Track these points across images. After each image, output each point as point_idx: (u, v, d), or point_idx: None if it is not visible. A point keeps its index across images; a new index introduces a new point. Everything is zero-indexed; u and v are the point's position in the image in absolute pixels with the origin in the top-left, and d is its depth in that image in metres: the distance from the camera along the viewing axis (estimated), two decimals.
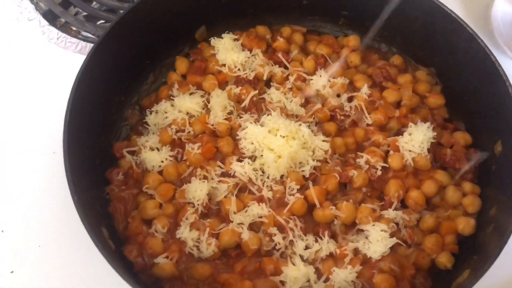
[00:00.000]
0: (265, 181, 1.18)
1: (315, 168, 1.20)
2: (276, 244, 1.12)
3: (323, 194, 1.16)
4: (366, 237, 1.12)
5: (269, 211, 1.14)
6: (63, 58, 1.46)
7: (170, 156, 1.22)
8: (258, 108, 1.29)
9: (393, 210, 1.15)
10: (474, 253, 1.11)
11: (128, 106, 1.35)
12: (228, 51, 1.33)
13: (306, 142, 1.20)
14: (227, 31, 1.39)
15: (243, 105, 1.29)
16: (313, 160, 1.19)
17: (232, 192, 1.16)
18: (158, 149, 1.24)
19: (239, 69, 1.32)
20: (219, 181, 1.17)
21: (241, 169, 1.17)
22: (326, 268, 1.10)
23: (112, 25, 1.20)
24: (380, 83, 1.34)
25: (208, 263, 1.11)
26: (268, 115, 1.24)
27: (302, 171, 1.18)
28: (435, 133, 1.23)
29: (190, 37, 1.42)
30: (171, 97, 1.31)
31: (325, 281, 1.09)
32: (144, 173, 1.21)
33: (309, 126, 1.25)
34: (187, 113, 1.28)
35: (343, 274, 1.07)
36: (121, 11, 1.32)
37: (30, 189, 1.28)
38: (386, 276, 1.07)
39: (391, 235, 1.12)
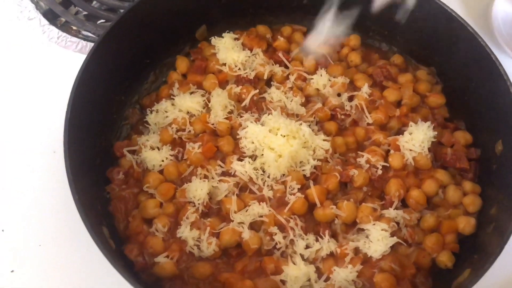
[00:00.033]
0: (265, 181, 1.18)
1: (315, 167, 1.20)
2: (276, 243, 1.12)
3: (323, 193, 1.16)
4: (367, 236, 1.12)
5: (269, 211, 1.14)
6: (64, 58, 1.46)
7: (171, 155, 1.22)
8: (258, 108, 1.29)
9: (394, 209, 1.15)
10: (475, 252, 1.11)
11: (129, 105, 1.35)
12: (228, 50, 1.33)
13: (307, 142, 1.20)
14: (227, 31, 1.39)
15: (243, 104, 1.29)
16: (314, 159, 1.19)
17: (233, 192, 1.16)
18: (158, 148, 1.24)
19: (239, 68, 1.32)
20: (220, 181, 1.17)
21: (242, 169, 1.17)
22: (327, 267, 1.10)
23: (112, 25, 1.20)
24: (380, 82, 1.34)
25: (209, 262, 1.11)
26: (268, 114, 1.24)
27: (303, 170, 1.18)
28: (436, 133, 1.23)
29: (191, 36, 1.42)
30: (172, 96, 1.31)
31: (325, 280, 1.09)
32: (144, 172, 1.21)
33: (309, 125, 1.25)
34: (188, 112, 1.28)
35: (344, 273, 1.07)
36: (122, 11, 1.32)
37: (31, 189, 1.27)
38: (387, 275, 1.07)
39: (392, 234, 1.12)
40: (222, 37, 1.37)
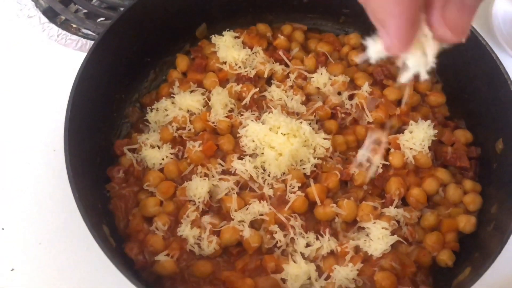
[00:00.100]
0: (266, 179, 1.18)
1: (316, 166, 1.20)
2: (277, 242, 1.12)
3: (324, 192, 1.16)
4: (367, 235, 1.12)
5: (270, 209, 1.13)
6: (64, 56, 1.45)
7: (171, 153, 1.22)
8: (259, 106, 1.29)
9: (394, 208, 1.15)
10: (475, 251, 1.11)
11: (129, 103, 1.34)
12: (228, 48, 1.33)
13: (307, 140, 1.20)
14: (227, 29, 1.38)
15: (243, 102, 1.29)
16: (314, 158, 1.19)
17: (233, 190, 1.16)
18: (158, 147, 1.23)
19: (239, 67, 1.32)
20: (220, 179, 1.17)
21: (242, 167, 1.17)
22: (327, 265, 1.10)
23: (112, 23, 1.20)
24: (381, 81, 1.34)
25: (209, 260, 1.11)
26: (269, 112, 1.23)
27: (303, 169, 1.18)
28: (436, 131, 1.23)
29: (191, 34, 1.41)
30: (172, 95, 1.31)
31: (326, 279, 1.09)
32: (144, 170, 1.21)
33: (310, 124, 1.24)
34: (188, 111, 1.27)
35: (344, 271, 1.07)
36: (122, 9, 1.33)
37: (31, 187, 1.27)
38: (387, 274, 1.07)
39: (392, 233, 1.12)
40: (223, 35, 1.37)
